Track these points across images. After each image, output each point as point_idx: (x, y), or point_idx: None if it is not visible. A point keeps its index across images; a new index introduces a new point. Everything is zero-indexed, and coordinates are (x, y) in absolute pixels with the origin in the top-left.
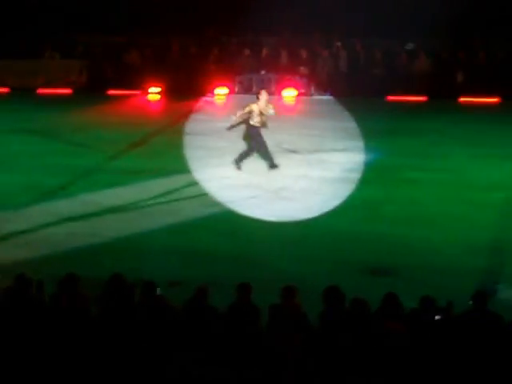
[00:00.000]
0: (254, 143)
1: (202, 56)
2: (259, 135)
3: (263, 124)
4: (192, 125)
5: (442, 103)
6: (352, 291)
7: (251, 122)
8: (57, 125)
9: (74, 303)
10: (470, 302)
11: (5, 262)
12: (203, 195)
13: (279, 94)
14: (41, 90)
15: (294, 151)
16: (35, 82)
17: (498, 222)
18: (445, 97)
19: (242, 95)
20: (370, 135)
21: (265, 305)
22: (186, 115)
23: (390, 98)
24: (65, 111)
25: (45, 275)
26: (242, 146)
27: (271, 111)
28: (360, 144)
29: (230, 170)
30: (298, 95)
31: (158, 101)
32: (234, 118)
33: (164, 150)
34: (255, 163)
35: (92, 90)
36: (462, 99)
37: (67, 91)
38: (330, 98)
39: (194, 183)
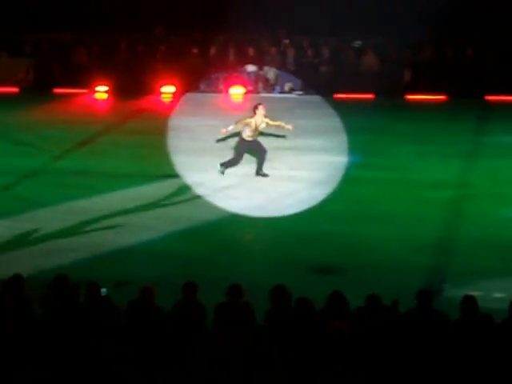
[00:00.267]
0: (237, 154)
1: (149, 55)
2: (246, 149)
3: (254, 138)
4: (139, 124)
5: (388, 101)
6: (299, 290)
7: (243, 135)
8: (3, 124)
9: (18, 304)
10: (415, 301)
11: None
12: (150, 195)
13: (226, 91)
14: None
15: None
16: None
17: (445, 220)
18: (392, 94)
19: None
20: (317, 133)
21: (212, 304)
22: (133, 114)
23: (337, 95)
24: (11, 110)
25: None
26: (188, 144)
27: (288, 126)
28: (307, 142)
29: (176, 169)
30: (246, 93)
31: (106, 99)
32: (231, 128)
33: (111, 149)
34: (203, 162)
35: (39, 89)
36: (408, 97)
37: (14, 90)
38: (279, 95)
39: (141, 182)
